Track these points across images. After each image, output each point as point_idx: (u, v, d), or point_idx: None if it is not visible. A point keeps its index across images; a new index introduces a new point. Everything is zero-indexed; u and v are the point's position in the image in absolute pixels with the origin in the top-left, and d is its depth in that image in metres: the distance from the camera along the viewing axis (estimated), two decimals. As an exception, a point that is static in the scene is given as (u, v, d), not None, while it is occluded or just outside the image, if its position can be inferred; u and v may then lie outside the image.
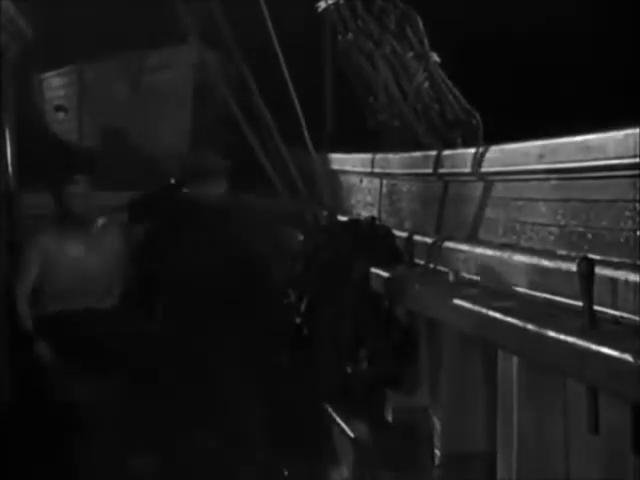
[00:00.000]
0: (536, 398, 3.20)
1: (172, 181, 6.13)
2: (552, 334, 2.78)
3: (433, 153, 4.71)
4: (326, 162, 6.43)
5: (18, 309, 5.25)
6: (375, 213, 5.44)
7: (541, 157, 3.43)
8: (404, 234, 4.69)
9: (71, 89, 9.44)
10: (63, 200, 5.39)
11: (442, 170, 4.56)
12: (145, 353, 5.19)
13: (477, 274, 3.88)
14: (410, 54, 5.59)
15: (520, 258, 3.49)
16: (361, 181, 5.87)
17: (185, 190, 5.88)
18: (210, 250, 5.60)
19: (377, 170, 5.52)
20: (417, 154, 4.97)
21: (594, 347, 2.56)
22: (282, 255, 5.69)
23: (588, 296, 2.75)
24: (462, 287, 3.82)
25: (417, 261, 4.46)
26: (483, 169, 4.07)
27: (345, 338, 4.57)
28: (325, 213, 5.80)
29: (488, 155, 3.97)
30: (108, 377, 5.08)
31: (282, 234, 6.26)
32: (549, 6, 7.42)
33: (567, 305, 3.06)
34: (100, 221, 5.52)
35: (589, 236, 3.17)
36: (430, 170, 4.67)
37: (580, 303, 2.80)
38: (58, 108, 9.61)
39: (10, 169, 5.55)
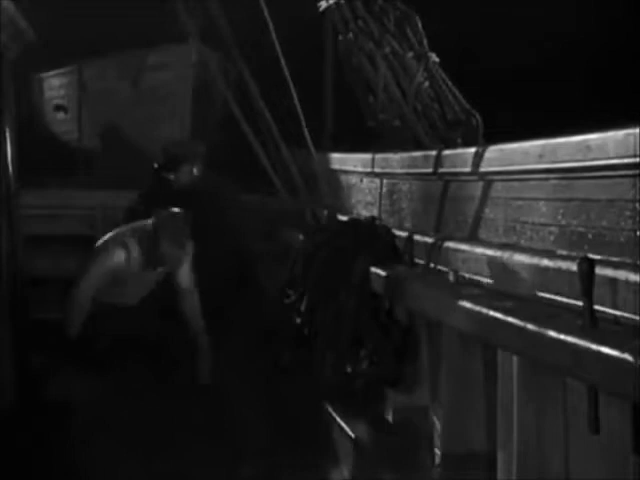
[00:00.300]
0: (536, 398, 3.20)
1: (155, 165, 6.20)
2: (552, 334, 2.78)
3: (433, 153, 4.71)
4: (326, 162, 6.43)
5: (76, 302, 5.22)
6: (375, 213, 5.44)
7: (541, 157, 3.43)
8: (404, 234, 4.69)
9: (71, 89, 9.43)
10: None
11: (442, 170, 4.56)
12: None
13: (477, 274, 3.88)
14: (410, 54, 5.59)
15: (520, 258, 3.49)
16: (361, 181, 5.87)
17: (167, 175, 5.97)
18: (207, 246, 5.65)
19: (377, 170, 5.52)
20: (417, 154, 4.97)
21: (594, 347, 2.56)
22: (282, 254, 5.70)
23: (588, 296, 2.75)
24: (462, 287, 3.82)
25: (417, 261, 4.46)
26: (483, 169, 4.07)
27: (345, 338, 4.57)
28: (325, 213, 5.81)
29: (488, 155, 3.97)
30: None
31: (282, 233, 6.27)
32: (549, 6, 7.43)
33: (567, 305, 3.06)
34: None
35: (589, 236, 3.17)
36: (430, 170, 4.67)
37: (580, 303, 2.80)
38: (58, 108, 9.61)
39: (10, 169, 5.54)
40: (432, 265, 4.29)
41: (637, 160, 2.82)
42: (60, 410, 4.93)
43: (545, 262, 3.31)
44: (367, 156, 5.69)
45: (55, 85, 9.88)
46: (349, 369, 4.60)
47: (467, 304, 3.47)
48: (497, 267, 3.68)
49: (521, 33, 7.44)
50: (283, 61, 6.44)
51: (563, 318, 2.92)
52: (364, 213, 5.62)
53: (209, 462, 4.53)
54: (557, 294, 3.18)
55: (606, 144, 2.99)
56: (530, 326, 2.93)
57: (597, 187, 3.12)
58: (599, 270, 2.78)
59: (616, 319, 2.82)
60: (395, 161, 5.24)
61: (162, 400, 5.00)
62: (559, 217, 3.38)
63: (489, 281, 3.74)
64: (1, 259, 5.28)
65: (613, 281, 2.84)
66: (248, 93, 6.74)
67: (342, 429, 4.72)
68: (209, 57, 7.51)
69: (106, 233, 5.89)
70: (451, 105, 5.35)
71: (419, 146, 5.21)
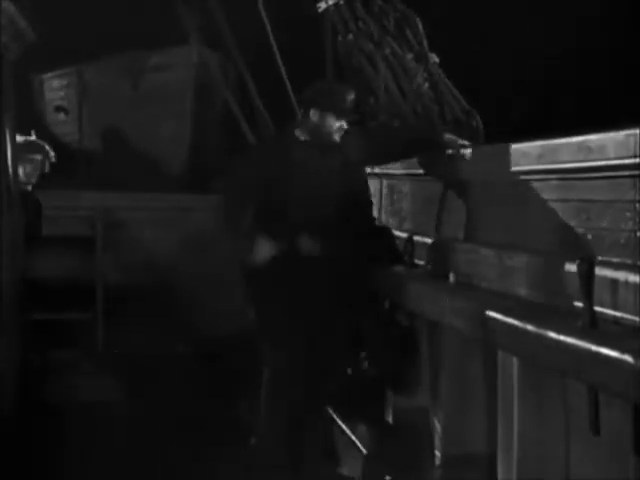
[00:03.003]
0: (536, 398, 3.20)
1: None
2: (552, 334, 2.79)
3: (433, 154, 4.70)
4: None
5: None
6: (375, 213, 5.44)
7: (541, 157, 3.43)
8: (404, 234, 4.69)
9: (71, 90, 9.44)
10: None
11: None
12: None
13: (477, 274, 3.88)
14: (410, 55, 5.59)
15: (520, 258, 3.49)
16: (361, 181, 5.85)
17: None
18: None
19: (377, 170, 5.51)
20: (417, 154, 4.96)
21: (594, 347, 2.56)
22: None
23: (588, 296, 2.75)
24: (462, 287, 3.82)
25: (417, 261, 4.46)
26: (483, 169, 4.07)
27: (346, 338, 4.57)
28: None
29: (488, 155, 3.97)
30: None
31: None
32: (550, 6, 7.43)
33: (567, 305, 3.06)
34: None
35: (589, 236, 3.17)
36: (430, 170, 4.66)
37: (580, 303, 2.80)
38: (58, 109, 9.62)
39: (10, 170, 5.54)
40: (432, 265, 4.29)
41: (637, 161, 2.82)
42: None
43: (545, 262, 3.31)
44: (367, 156, 5.67)
45: (55, 86, 9.88)
46: (349, 370, 4.61)
47: (467, 304, 3.47)
48: (497, 268, 3.68)
49: (522, 32, 7.44)
50: (282, 62, 6.45)
51: (563, 318, 2.92)
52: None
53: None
54: (557, 294, 3.18)
55: (606, 145, 2.99)
56: (530, 326, 2.93)
57: (597, 188, 3.12)
58: (599, 271, 2.79)
59: (616, 320, 2.82)
60: (395, 162, 5.23)
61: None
62: (559, 217, 3.38)
63: (489, 281, 3.74)
64: (1, 259, 5.29)
65: (613, 282, 2.84)
66: (248, 93, 6.75)
67: (342, 430, 4.73)
68: (209, 58, 7.51)
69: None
70: (451, 106, 5.35)
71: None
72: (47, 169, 6.07)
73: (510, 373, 3.27)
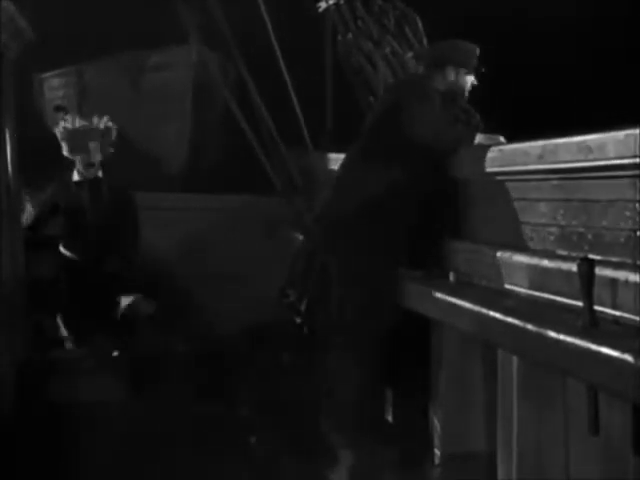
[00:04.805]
0: (536, 398, 3.20)
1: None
2: (552, 334, 2.79)
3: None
4: (326, 161, 6.43)
5: None
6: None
7: (541, 157, 3.43)
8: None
9: (71, 89, 9.44)
10: None
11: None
12: None
13: (477, 274, 3.88)
14: (410, 54, 5.59)
15: (520, 258, 3.49)
16: (361, 181, 5.85)
17: None
18: None
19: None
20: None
21: (594, 347, 2.56)
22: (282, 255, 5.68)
23: (588, 296, 2.75)
24: (462, 287, 3.82)
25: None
26: (483, 169, 4.06)
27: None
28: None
29: (488, 155, 3.97)
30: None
31: (282, 234, 6.27)
32: (549, 5, 7.44)
33: (567, 305, 3.06)
34: None
35: (589, 236, 3.17)
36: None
37: (580, 303, 2.80)
38: (58, 108, 9.61)
39: (10, 169, 5.54)
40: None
41: (637, 161, 2.82)
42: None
43: (545, 262, 3.31)
44: (367, 156, 5.67)
45: (55, 85, 9.87)
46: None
47: (467, 304, 3.47)
48: (497, 267, 3.68)
49: (521, 30, 7.44)
50: (283, 61, 6.44)
51: (563, 318, 2.92)
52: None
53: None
54: (557, 294, 3.18)
55: (606, 145, 2.99)
56: (530, 326, 2.93)
57: (597, 187, 3.12)
58: (599, 270, 2.79)
59: (616, 319, 2.82)
60: (395, 161, 5.22)
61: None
62: (559, 217, 3.38)
63: (489, 281, 3.75)
64: (1, 259, 5.29)
65: (613, 281, 2.84)
66: (248, 93, 6.74)
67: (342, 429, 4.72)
68: (209, 58, 7.51)
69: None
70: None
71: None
72: (110, 149, 6.01)
73: (510, 372, 3.27)
